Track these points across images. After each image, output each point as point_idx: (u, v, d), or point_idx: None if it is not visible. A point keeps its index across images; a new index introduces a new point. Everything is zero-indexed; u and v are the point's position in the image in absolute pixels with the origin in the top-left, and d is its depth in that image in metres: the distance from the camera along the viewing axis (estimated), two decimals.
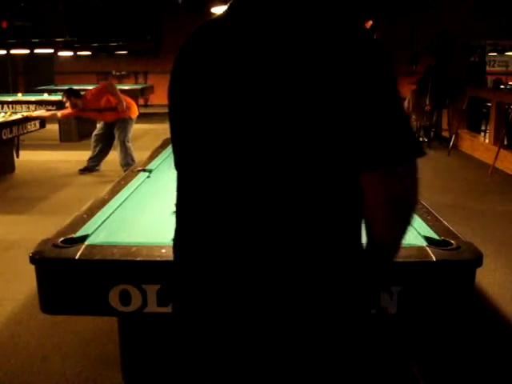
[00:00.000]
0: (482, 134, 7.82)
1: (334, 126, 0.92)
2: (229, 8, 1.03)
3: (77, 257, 1.72)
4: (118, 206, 2.31)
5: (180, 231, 1.11)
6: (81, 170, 6.32)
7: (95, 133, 6.35)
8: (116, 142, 6.16)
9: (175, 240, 1.12)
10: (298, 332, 1.00)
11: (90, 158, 6.37)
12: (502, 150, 6.28)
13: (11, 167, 6.42)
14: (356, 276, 1.06)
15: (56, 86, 12.01)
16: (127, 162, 5.99)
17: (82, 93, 6.18)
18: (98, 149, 6.32)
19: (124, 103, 5.96)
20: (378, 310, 1.29)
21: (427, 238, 1.88)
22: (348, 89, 0.91)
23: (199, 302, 1.06)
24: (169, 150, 3.62)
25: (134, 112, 6.22)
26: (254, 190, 0.97)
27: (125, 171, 6.06)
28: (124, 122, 6.09)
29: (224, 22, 1.02)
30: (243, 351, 1.03)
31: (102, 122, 6.31)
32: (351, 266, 1.04)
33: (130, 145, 6.14)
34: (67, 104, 6.09)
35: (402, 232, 1.04)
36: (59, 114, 6.40)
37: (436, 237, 1.88)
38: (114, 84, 6.19)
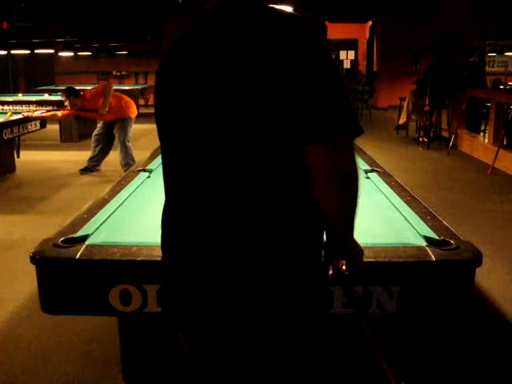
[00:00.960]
0: (482, 134, 7.83)
1: (277, 104, 1.03)
2: (197, 21, 1.19)
3: (77, 257, 1.72)
4: (119, 206, 2.32)
5: (164, 207, 1.29)
6: (81, 170, 6.33)
7: (95, 133, 6.35)
8: (116, 142, 6.16)
9: (162, 216, 1.30)
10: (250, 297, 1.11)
11: (90, 158, 6.37)
12: (501, 150, 6.28)
13: (12, 167, 6.43)
14: (308, 254, 1.15)
15: (56, 86, 12.01)
16: (127, 162, 5.99)
17: (82, 93, 6.19)
18: (98, 149, 6.33)
19: (106, 109, 5.96)
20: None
21: (427, 238, 1.88)
22: (283, 72, 1.03)
23: (175, 263, 1.23)
24: None
25: (133, 111, 6.22)
26: (212, 169, 1.10)
27: (125, 171, 6.06)
28: (123, 122, 6.09)
29: (190, 32, 1.19)
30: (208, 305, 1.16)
31: (101, 122, 6.31)
32: (302, 242, 1.13)
33: (130, 145, 6.14)
34: (66, 103, 6.10)
35: (349, 206, 1.10)
36: (59, 113, 6.40)
37: (435, 237, 1.89)
38: (112, 86, 6.16)
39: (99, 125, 6.37)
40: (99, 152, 6.34)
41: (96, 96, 6.02)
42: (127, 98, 6.29)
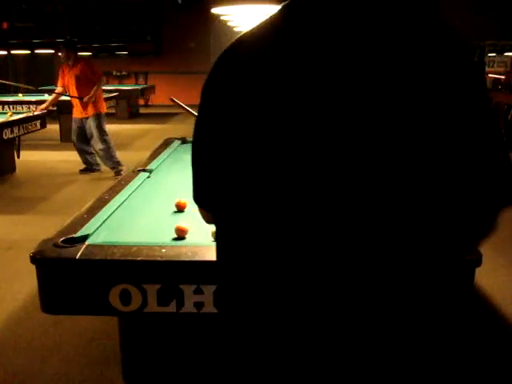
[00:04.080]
0: None
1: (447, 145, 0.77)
2: (287, 11, 0.87)
3: (77, 256, 1.72)
4: (119, 206, 2.32)
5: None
6: (81, 171, 6.33)
7: (72, 139, 6.23)
8: (94, 140, 6.01)
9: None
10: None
11: (85, 163, 6.34)
12: None
13: (12, 167, 6.43)
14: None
15: (56, 86, 12.03)
16: (111, 157, 5.96)
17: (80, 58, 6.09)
18: (82, 151, 6.25)
19: (93, 99, 5.84)
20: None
21: None
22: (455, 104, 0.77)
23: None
24: (169, 150, 3.62)
25: (104, 107, 6.16)
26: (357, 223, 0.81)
27: (114, 171, 5.98)
28: (99, 118, 5.98)
29: (294, 24, 0.85)
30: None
31: (74, 124, 6.15)
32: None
33: (109, 138, 6.05)
34: (62, 54, 5.93)
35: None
36: (59, 88, 6.33)
37: None
38: (103, 81, 6.12)
39: (73, 128, 6.19)
40: (85, 153, 6.27)
41: (86, 75, 5.85)
42: (100, 92, 6.18)
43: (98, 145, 6.00)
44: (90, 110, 5.95)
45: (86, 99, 5.85)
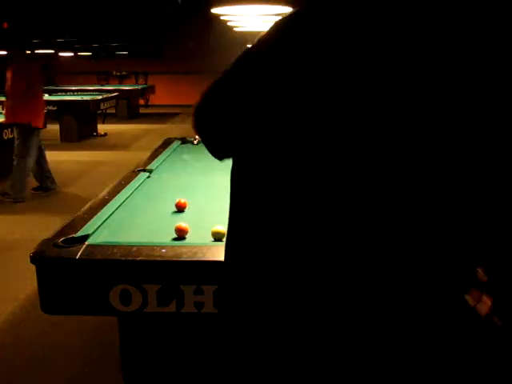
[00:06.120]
0: None
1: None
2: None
3: (77, 256, 1.72)
4: (119, 206, 2.32)
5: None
6: (33, 189, 5.47)
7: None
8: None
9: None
10: None
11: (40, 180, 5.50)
12: None
13: (12, 168, 6.42)
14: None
15: (56, 86, 12.04)
16: (20, 188, 5.10)
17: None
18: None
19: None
20: None
21: None
22: None
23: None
24: (169, 150, 3.62)
25: (38, 121, 5.26)
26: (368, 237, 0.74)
27: (14, 199, 5.03)
28: (23, 130, 5.11)
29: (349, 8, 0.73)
30: None
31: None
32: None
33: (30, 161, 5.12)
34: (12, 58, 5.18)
35: None
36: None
37: None
38: (35, 89, 5.22)
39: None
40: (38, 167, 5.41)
41: (14, 72, 5.01)
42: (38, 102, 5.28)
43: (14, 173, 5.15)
44: (17, 118, 5.09)
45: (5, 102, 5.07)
